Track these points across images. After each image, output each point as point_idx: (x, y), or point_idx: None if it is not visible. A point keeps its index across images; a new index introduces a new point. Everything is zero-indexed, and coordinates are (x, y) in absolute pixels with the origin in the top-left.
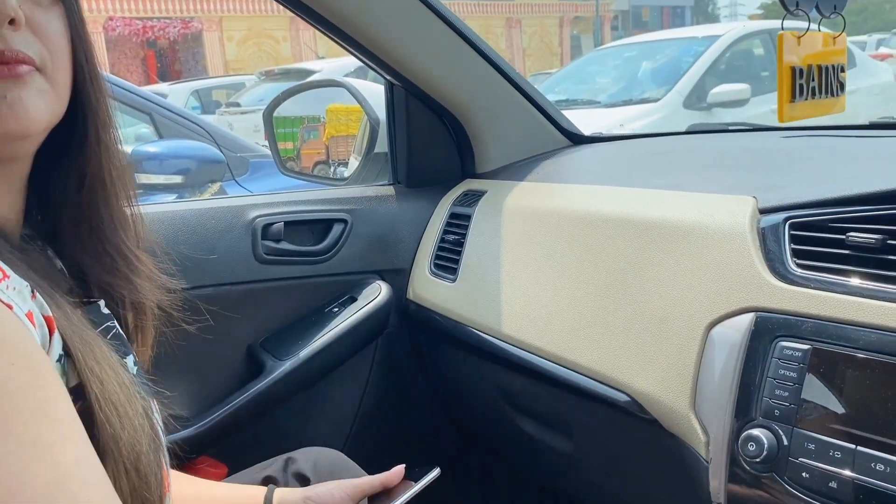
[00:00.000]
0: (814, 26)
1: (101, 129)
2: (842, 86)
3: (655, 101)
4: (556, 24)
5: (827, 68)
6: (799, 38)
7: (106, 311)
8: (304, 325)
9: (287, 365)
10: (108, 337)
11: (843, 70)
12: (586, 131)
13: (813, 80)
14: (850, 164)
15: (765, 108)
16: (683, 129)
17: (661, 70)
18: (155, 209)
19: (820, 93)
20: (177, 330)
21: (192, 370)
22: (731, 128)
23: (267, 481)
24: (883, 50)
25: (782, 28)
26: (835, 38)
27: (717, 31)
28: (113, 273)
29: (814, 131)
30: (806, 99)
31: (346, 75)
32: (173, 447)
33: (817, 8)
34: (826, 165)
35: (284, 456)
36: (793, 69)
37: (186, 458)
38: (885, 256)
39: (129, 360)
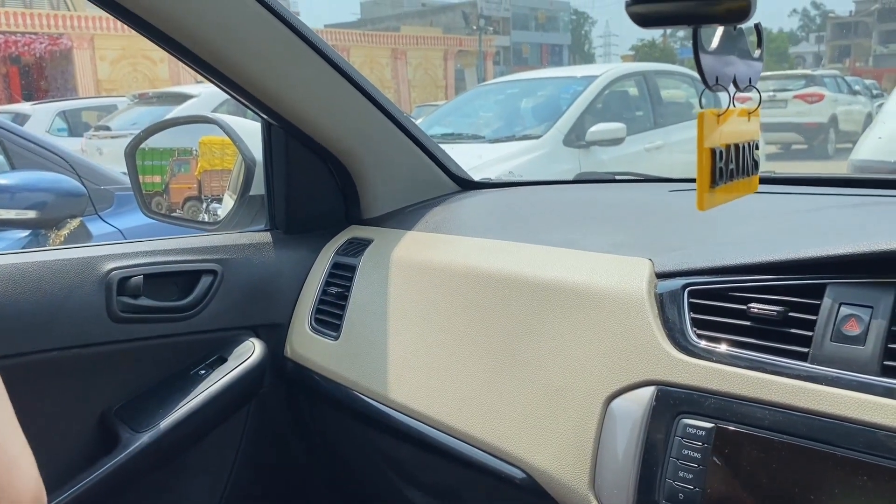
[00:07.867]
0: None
1: None
2: (756, 164)
3: (537, 137)
4: (441, 57)
5: (743, 147)
6: (719, 116)
7: None
8: (165, 390)
9: (145, 438)
10: None
11: (756, 147)
12: (473, 163)
13: (731, 161)
14: (744, 225)
15: (639, 146)
16: (565, 166)
17: (542, 107)
18: None
19: (738, 174)
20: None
21: (31, 446)
22: (618, 177)
23: None
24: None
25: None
26: (750, 113)
27: (595, 71)
28: None
29: None
30: (724, 182)
31: (225, 102)
32: None
33: (734, 82)
34: (719, 225)
35: None
36: (713, 152)
37: None
38: (787, 329)
39: None
